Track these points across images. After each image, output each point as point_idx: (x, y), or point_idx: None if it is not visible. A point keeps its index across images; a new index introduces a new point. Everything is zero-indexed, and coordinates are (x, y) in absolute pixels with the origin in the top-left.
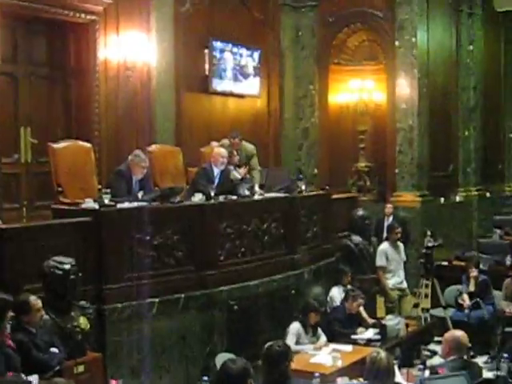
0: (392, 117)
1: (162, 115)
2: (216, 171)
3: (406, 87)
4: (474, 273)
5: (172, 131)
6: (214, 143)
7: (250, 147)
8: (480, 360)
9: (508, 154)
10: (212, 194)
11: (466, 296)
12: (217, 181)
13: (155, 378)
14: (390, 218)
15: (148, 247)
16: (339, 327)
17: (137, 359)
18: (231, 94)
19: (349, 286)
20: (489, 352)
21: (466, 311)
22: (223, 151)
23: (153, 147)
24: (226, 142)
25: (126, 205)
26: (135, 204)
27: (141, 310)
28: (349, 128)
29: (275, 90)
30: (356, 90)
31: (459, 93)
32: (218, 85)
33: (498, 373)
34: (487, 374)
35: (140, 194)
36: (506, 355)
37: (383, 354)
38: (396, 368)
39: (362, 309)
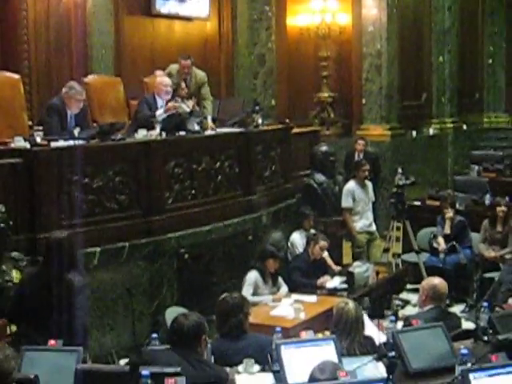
0: (358, 41)
1: (100, 41)
2: (160, 102)
3: (373, 8)
4: (449, 213)
5: (111, 60)
6: (159, 72)
7: (200, 74)
8: (457, 309)
9: (487, 82)
10: (157, 128)
11: (441, 239)
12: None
13: (98, 336)
14: (361, 155)
15: (87, 190)
16: (302, 276)
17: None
18: (177, 17)
19: (312, 231)
20: (466, 300)
21: (441, 256)
22: (166, 79)
23: (89, 78)
24: (174, 67)
25: (61, 143)
26: (71, 142)
27: (80, 260)
28: (310, 54)
29: (227, 12)
30: (317, 11)
31: (432, 13)
32: (162, 6)
33: (478, 323)
34: (466, 324)
35: (76, 131)
36: (485, 304)
37: (351, 304)
38: (366, 319)
39: (326, 254)
